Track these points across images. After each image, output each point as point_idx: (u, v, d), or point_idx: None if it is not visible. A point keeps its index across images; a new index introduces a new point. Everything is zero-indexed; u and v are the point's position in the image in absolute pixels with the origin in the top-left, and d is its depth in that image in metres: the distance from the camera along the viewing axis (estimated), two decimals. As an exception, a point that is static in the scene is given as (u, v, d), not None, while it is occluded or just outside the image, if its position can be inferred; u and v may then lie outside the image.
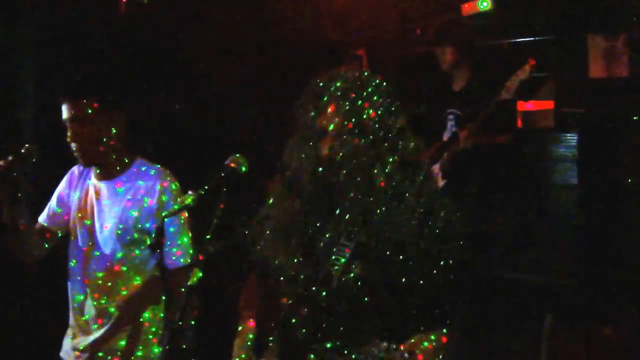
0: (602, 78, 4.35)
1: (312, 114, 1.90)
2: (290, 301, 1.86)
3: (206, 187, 1.86)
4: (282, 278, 1.91)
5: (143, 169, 2.50)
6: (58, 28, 3.94)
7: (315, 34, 5.52)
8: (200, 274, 1.76)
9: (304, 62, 4.81)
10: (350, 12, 5.63)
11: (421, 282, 1.76)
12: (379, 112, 1.86)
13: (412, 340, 1.77)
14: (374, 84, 1.90)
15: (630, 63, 4.24)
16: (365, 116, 1.85)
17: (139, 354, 2.47)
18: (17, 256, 2.54)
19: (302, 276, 1.86)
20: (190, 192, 1.88)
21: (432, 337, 1.78)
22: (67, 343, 2.58)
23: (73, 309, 2.55)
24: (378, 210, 1.80)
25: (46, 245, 2.58)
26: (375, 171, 1.84)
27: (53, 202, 2.61)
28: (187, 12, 4.73)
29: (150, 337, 2.48)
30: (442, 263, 1.78)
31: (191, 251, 2.42)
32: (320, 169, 1.86)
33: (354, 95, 1.86)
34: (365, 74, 1.94)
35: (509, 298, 4.14)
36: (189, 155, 4.03)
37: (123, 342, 2.46)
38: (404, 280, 1.76)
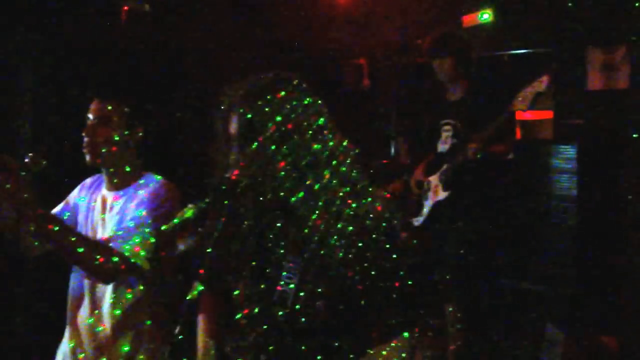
0: (601, 90, 4.38)
1: (221, 123, 1.81)
2: (246, 321, 1.78)
3: (207, 201, 1.80)
4: (238, 296, 1.83)
5: (143, 181, 2.51)
6: (58, 38, 3.96)
7: (316, 42, 5.55)
8: (201, 287, 1.75)
9: (305, 71, 4.82)
10: (352, 22, 5.67)
11: (373, 292, 1.67)
12: (290, 116, 1.70)
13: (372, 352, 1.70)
14: (284, 88, 1.74)
15: (628, 76, 4.26)
16: (271, 122, 1.69)
17: (140, 362, 2.47)
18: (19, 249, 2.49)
19: (256, 296, 1.78)
20: (190, 205, 1.82)
21: (393, 345, 1.70)
22: (61, 353, 2.58)
23: (70, 321, 2.55)
24: (312, 223, 1.68)
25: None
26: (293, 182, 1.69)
27: (59, 207, 2.61)
28: (186, 20, 4.75)
29: (152, 346, 2.48)
30: (389, 271, 1.68)
31: (143, 253, 2.30)
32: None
33: (257, 100, 1.71)
34: (276, 80, 1.77)
35: (509, 307, 4.15)
36: (192, 168, 4.02)
37: (127, 348, 2.44)
38: (355, 292, 1.67)
